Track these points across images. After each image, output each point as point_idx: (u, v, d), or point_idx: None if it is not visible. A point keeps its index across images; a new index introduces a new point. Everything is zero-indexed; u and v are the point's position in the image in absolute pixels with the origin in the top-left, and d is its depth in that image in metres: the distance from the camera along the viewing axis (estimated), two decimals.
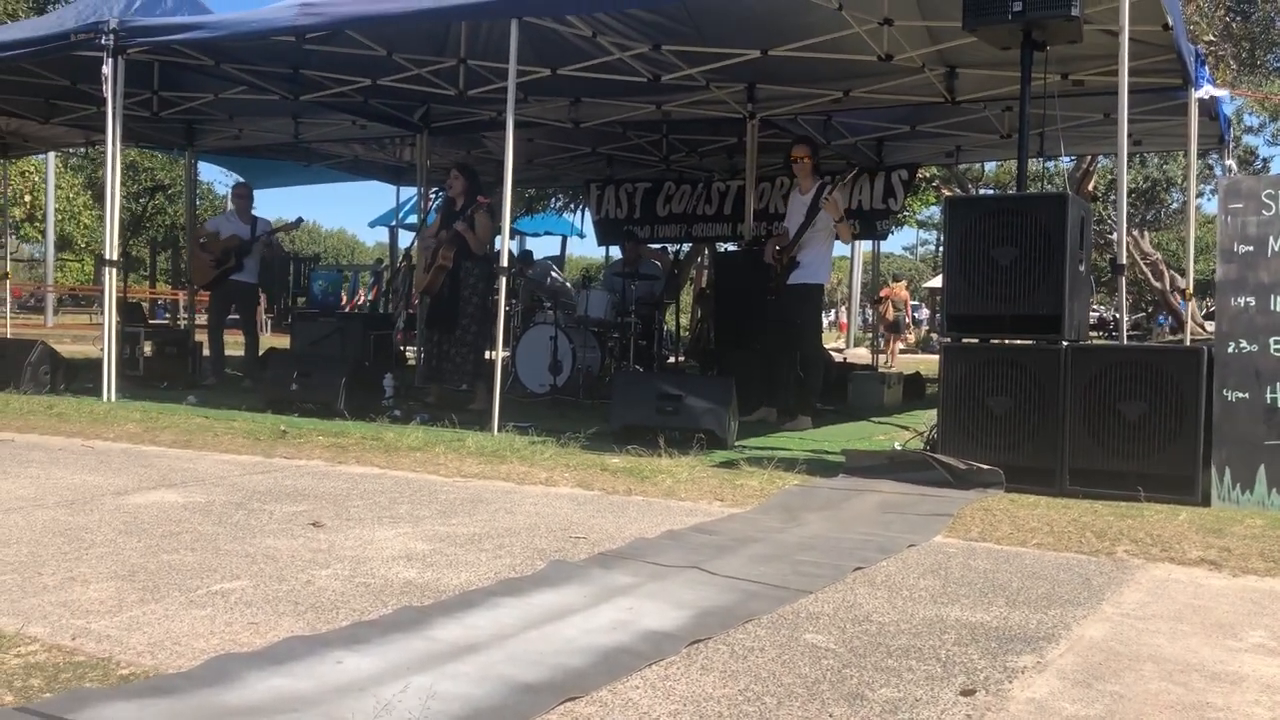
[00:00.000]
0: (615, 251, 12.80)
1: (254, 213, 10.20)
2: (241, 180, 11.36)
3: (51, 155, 25.27)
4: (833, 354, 13.41)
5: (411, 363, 9.29)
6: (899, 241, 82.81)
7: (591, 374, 9.17)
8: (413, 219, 10.38)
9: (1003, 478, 4.77)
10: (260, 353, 10.31)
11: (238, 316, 10.62)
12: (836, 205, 7.18)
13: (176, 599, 2.82)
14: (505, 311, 7.01)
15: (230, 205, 10.44)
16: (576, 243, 19.14)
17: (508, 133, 6.53)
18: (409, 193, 14.14)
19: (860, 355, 17.86)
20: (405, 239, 16.08)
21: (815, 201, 7.27)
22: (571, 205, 18.69)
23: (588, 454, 5.61)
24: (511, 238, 9.92)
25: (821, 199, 7.20)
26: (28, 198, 31.26)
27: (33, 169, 30.31)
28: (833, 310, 43.90)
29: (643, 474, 5.06)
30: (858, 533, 3.90)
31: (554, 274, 9.75)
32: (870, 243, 15.02)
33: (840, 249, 10.30)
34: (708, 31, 7.60)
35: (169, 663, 2.31)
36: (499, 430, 6.30)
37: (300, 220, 10.49)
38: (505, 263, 6.80)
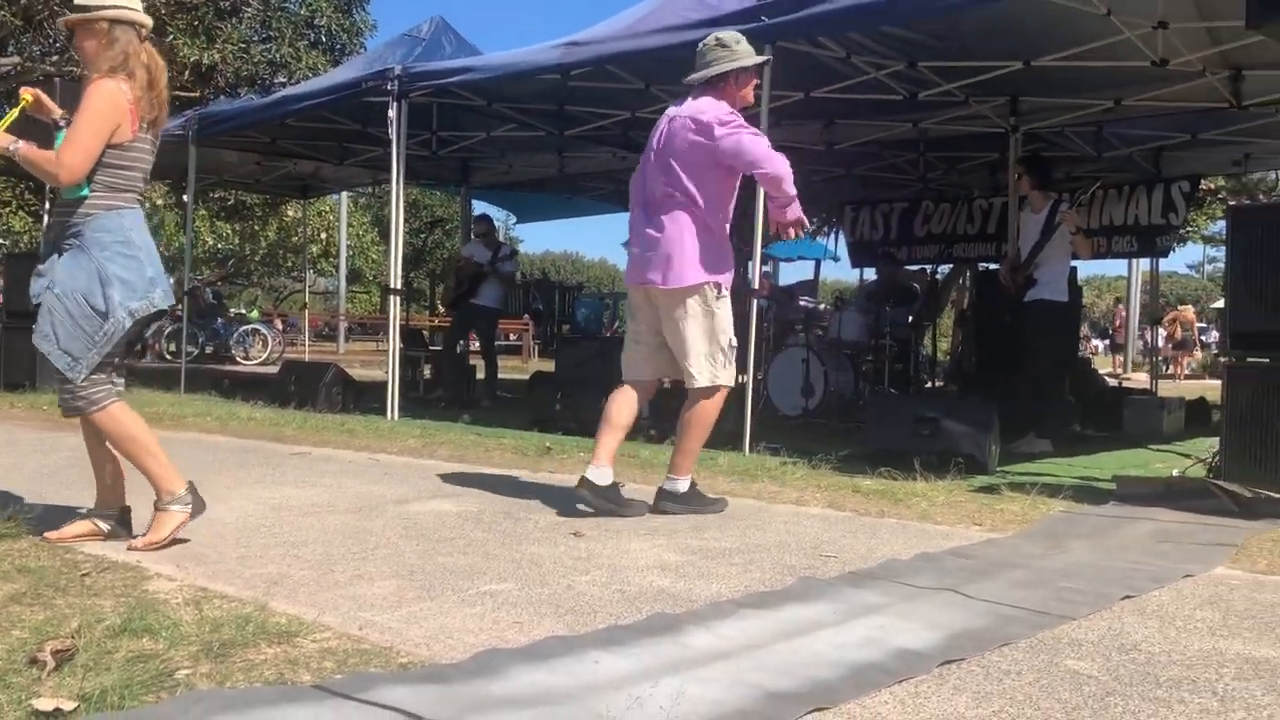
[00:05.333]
0: (869, 274, 12.58)
1: (502, 241, 10.79)
2: (483, 214, 12.06)
3: (344, 195, 27.53)
4: (1106, 378, 12.67)
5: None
6: (1183, 259, 76.85)
7: (845, 397, 9.07)
8: None
9: None
10: (499, 376, 10.74)
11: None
12: (1073, 217, 7.30)
13: (450, 597, 3.03)
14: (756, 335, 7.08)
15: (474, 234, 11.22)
16: (830, 265, 19.06)
17: None
18: None
19: (1139, 380, 16.73)
20: None
21: (1050, 218, 7.24)
22: (824, 229, 18.55)
23: (839, 475, 5.58)
24: (764, 263, 9.90)
25: (1058, 214, 7.23)
26: (324, 235, 34.28)
27: (328, 209, 33.24)
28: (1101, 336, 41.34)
29: (896, 496, 4.97)
30: (1127, 561, 3.69)
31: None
32: (1149, 261, 14.04)
33: (1119, 268, 9.83)
34: (966, 45, 7.41)
35: (442, 654, 2.50)
36: (750, 450, 6.35)
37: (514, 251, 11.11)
38: (758, 286, 6.88)
